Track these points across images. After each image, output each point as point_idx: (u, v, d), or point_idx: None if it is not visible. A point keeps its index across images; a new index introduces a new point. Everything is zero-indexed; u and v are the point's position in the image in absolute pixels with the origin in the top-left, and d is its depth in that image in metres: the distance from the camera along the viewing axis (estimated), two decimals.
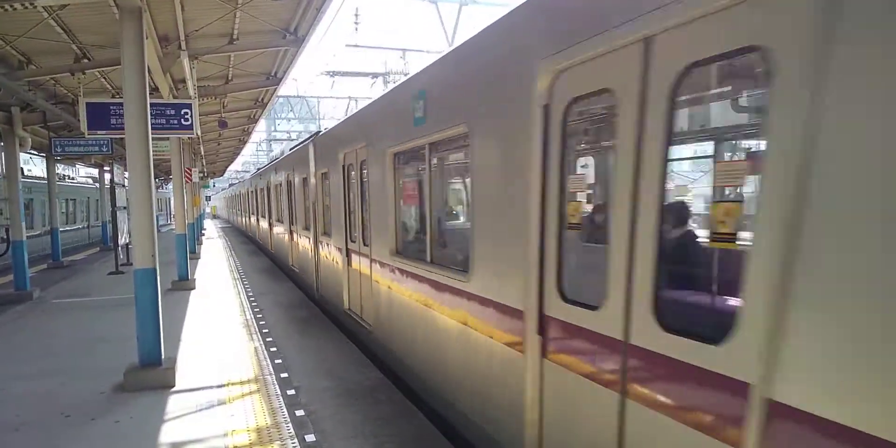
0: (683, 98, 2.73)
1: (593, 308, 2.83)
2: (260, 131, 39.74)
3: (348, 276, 8.14)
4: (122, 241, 15.60)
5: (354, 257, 7.66)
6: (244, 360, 6.71)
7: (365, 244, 7.00)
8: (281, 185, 14.35)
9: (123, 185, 16.71)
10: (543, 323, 3.24)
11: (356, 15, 21.10)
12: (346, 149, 7.70)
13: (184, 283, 12.11)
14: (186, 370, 6.29)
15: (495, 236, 3.71)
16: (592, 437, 2.89)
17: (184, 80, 10.46)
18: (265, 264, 16.71)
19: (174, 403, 5.37)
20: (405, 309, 5.66)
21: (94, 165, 24.08)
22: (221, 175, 56.70)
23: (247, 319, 8.99)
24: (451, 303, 4.44)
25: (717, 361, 2.15)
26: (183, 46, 8.91)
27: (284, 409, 5.09)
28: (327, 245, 9.37)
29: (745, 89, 3.11)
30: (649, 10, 2.37)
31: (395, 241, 5.98)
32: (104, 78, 11.09)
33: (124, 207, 15.53)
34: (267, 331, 8.18)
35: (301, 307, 9.96)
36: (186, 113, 8.86)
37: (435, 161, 5.08)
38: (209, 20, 8.76)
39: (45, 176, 18.07)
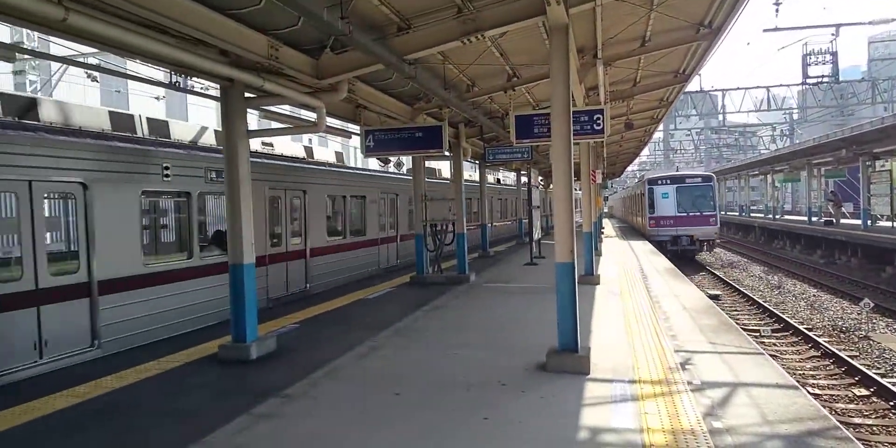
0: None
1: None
2: (658, 131, 39.30)
3: None
4: (535, 236, 17.45)
5: None
6: (653, 361, 6.72)
7: None
8: None
9: (537, 187, 18.71)
10: None
11: None
12: None
13: (589, 277, 12.84)
14: (597, 360, 6.62)
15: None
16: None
17: (595, 88, 11.07)
18: (666, 265, 16.48)
19: (589, 390, 5.74)
20: None
21: (513, 170, 27.60)
22: (619, 176, 58.23)
23: (652, 320, 9.00)
24: None
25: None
26: (599, 55, 9.42)
27: (700, 418, 4.91)
28: None
29: None
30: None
31: None
32: (528, 93, 12.58)
33: (537, 206, 17.36)
34: (673, 334, 8.04)
35: (707, 315, 9.47)
36: (598, 118, 9.34)
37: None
38: (623, 26, 9.06)
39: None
